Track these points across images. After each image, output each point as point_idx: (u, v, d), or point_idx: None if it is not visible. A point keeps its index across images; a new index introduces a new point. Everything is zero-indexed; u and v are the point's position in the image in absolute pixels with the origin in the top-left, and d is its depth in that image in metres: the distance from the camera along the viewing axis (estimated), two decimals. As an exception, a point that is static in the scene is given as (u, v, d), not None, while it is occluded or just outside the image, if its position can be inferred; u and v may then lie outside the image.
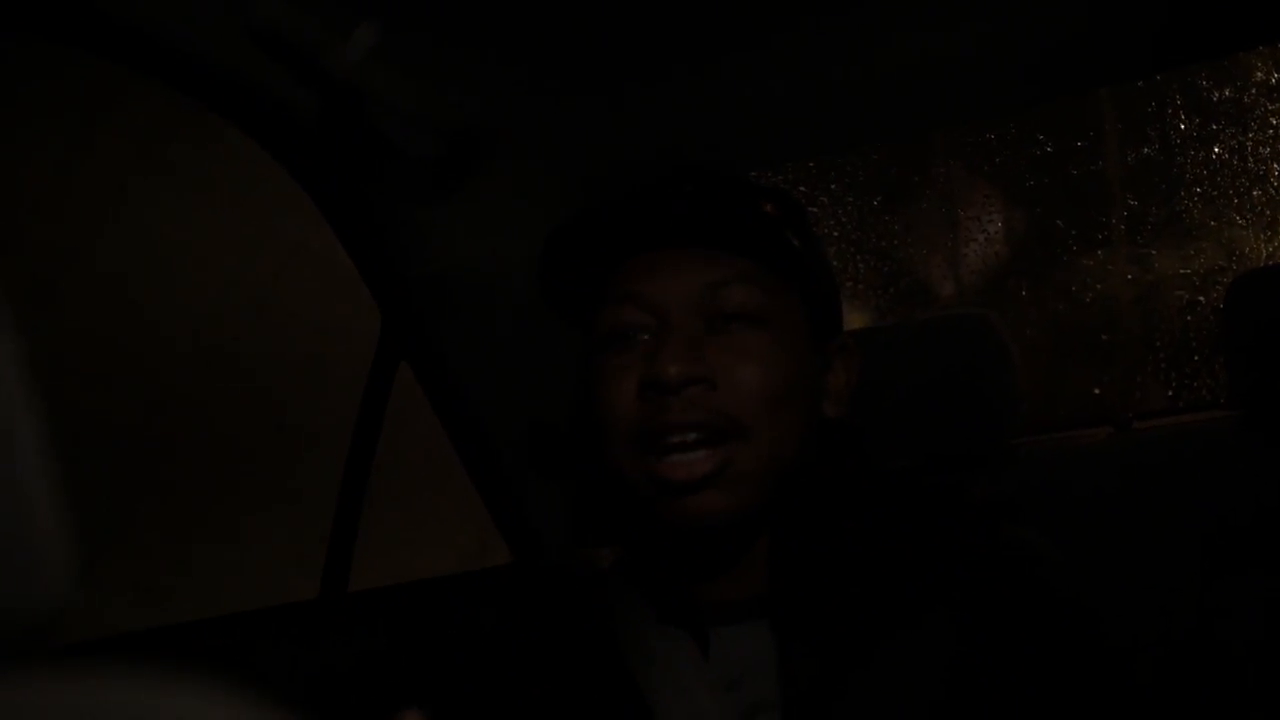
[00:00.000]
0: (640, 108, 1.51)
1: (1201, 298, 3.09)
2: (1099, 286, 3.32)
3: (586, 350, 1.13)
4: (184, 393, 2.42)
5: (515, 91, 1.45)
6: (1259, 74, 2.97)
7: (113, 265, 2.30)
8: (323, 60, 1.21)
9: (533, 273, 1.18)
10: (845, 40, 1.41)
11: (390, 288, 1.58)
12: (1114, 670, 1.04)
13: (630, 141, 1.58)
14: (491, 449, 1.67)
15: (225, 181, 2.29)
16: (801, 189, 3.22)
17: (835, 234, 3.31)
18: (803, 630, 1.05)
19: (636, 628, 1.12)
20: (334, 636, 1.48)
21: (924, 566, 1.06)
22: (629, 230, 1.11)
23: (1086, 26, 1.45)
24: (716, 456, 1.04)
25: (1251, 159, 3.00)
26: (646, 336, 1.08)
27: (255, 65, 1.25)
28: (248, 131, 1.41)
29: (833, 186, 3.31)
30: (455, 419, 1.67)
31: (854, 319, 1.21)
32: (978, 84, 1.57)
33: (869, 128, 1.73)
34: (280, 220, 2.16)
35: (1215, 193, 3.04)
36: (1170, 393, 3.12)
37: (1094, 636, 1.05)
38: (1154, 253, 3.22)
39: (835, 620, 1.04)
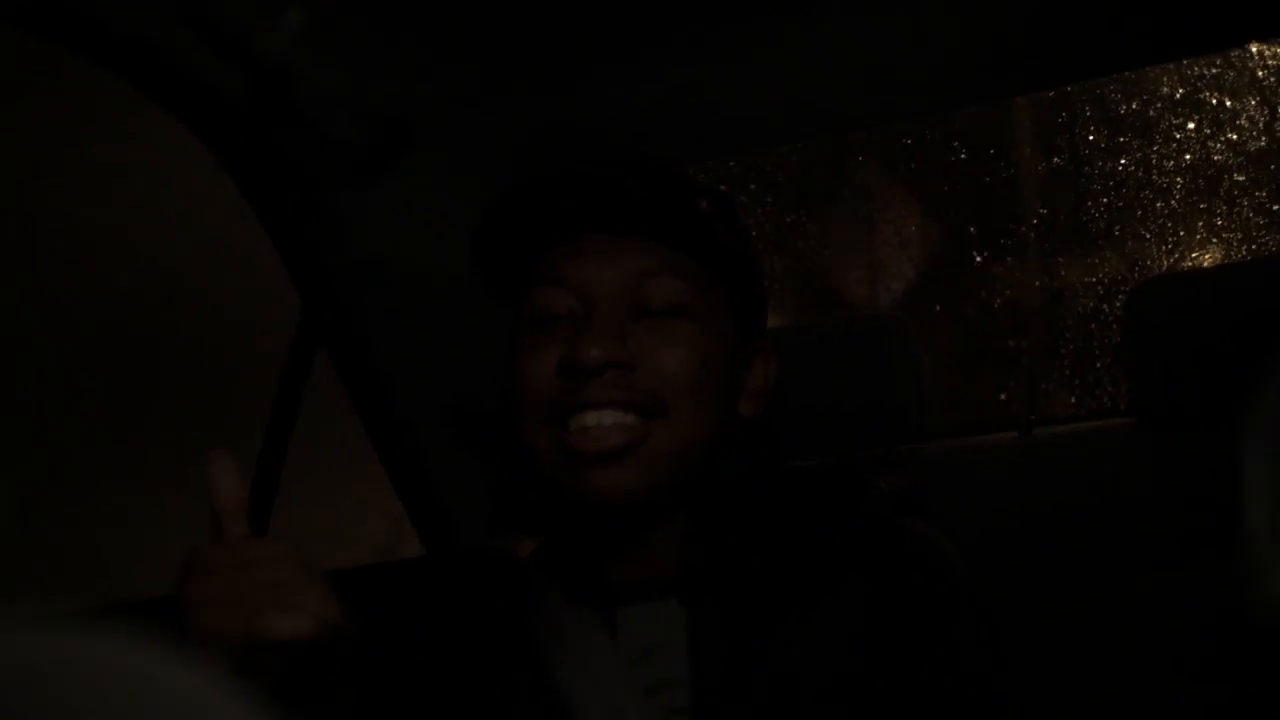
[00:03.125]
0: (568, 98, 1.52)
1: (1105, 307, 3.18)
2: (1008, 293, 3.40)
3: (513, 329, 1.14)
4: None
5: (443, 79, 1.45)
6: (1165, 89, 3.05)
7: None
8: (250, 41, 1.20)
9: (455, 260, 1.18)
10: (775, 35, 1.43)
11: (311, 274, 1.58)
12: (993, 651, 1.09)
13: (558, 131, 1.59)
14: (408, 438, 1.67)
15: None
16: (721, 188, 3.24)
17: (753, 233, 3.35)
18: (713, 607, 1.07)
19: (547, 610, 1.14)
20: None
21: (830, 552, 1.10)
22: (562, 213, 1.12)
23: (1040, 26, 1.48)
24: (630, 432, 1.05)
25: (1156, 172, 3.09)
26: (571, 319, 1.09)
27: (182, 43, 1.25)
28: (170, 110, 1.39)
29: (751, 186, 3.34)
30: (372, 408, 1.66)
31: (769, 318, 1.24)
32: (913, 82, 1.60)
33: (798, 124, 1.76)
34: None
35: (1121, 204, 3.13)
36: (1073, 399, 3.20)
37: (980, 619, 1.10)
38: (1061, 261, 3.30)
39: (745, 598, 1.07)
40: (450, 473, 1.71)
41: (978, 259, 3.40)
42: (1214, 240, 3.05)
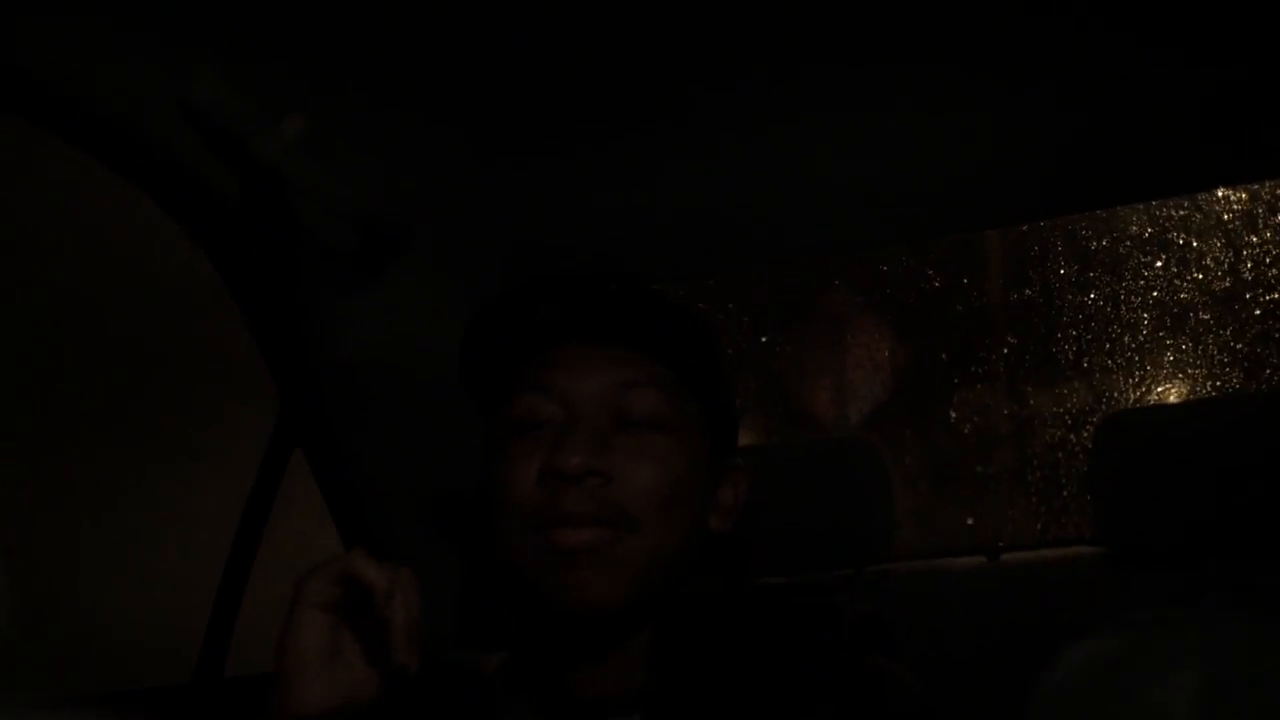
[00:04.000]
0: (554, 212, 1.55)
1: (1072, 436, 3.21)
2: (977, 419, 3.43)
3: (495, 435, 1.15)
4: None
5: (434, 189, 1.48)
6: (1134, 227, 3.13)
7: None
8: (249, 144, 1.23)
9: (435, 365, 1.20)
10: (759, 159, 1.46)
11: (293, 374, 1.59)
12: None
13: (543, 243, 1.61)
14: (380, 539, 1.67)
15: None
16: (700, 305, 3.28)
17: (729, 351, 3.37)
18: None
19: None
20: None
21: (793, 680, 1.10)
22: (549, 321, 1.15)
23: (1016, 160, 1.52)
24: (603, 534, 1.07)
25: (1124, 307, 3.14)
26: (553, 426, 1.11)
27: (177, 140, 1.27)
28: (162, 205, 1.41)
29: (730, 305, 3.38)
30: (346, 507, 1.66)
31: (741, 436, 1.25)
32: (892, 210, 1.64)
33: (779, 245, 1.79)
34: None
35: (1089, 337, 3.18)
36: (1039, 526, 3.21)
37: None
38: (1030, 390, 3.34)
39: (706, 718, 1.07)
40: (421, 578, 1.70)
41: (948, 385, 3.44)
42: (1179, 375, 3.09)
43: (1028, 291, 3.31)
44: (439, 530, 1.69)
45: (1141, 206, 3.03)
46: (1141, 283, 3.13)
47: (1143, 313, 3.13)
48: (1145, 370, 3.12)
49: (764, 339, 3.49)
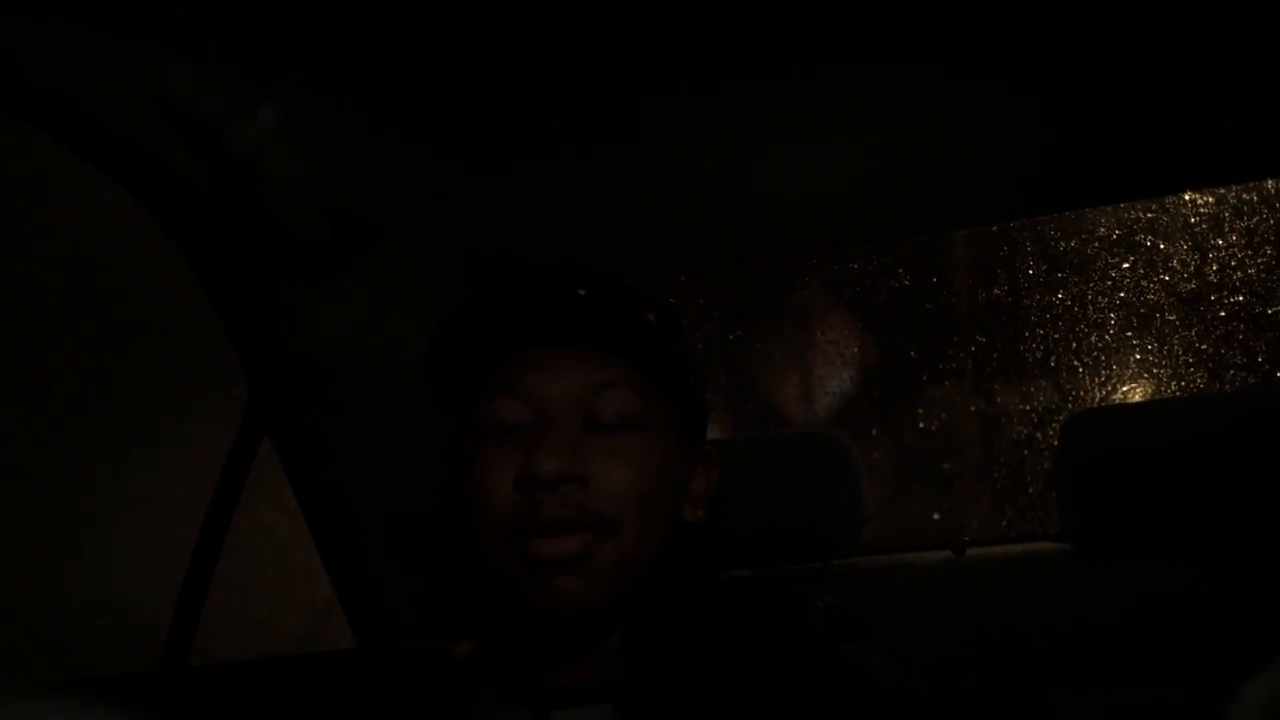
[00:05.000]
0: (526, 206, 1.55)
1: (1039, 434, 3.24)
2: (944, 416, 3.46)
3: (464, 439, 1.15)
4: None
5: (407, 185, 1.48)
6: (1102, 229, 3.15)
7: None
8: (223, 135, 1.23)
9: (404, 360, 1.20)
10: (739, 160, 1.47)
11: (262, 363, 1.58)
12: None
13: (514, 240, 1.62)
14: (348, 531, 1.67)
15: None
16: (671, 300, 3.28)
17: (700, 346, 3.38)
18: (645, 715, 1.08)
19: (480, 710, 1.14)
20: (173, 711, 1.45)
21: (766, 670, 1.10)
22: (518, 326, 1.15)
23: (985, 162, 1.54)
24: (584, 540, 1.07)
25: (1091, 307, 3.17)
26: (525, 430, 1.11)
27: (151, 130, 1.26)
28: (135, 196, 1.41)
29: (700, 301, 3.39)
30: (314, 498, 1.66)
31: (710, 431, 1.26)
32: (863, 213, 1.65)
33: (754, 245, 1.80)
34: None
35: (1056, 336, 3.21)
36: (1004, 522, 3.24)
37: None
38: (997, 388, 3.37)
39: (677, 710, 1.08)
40: (387, 567, 1.70)
41: (917, 383, 3.46)
42: (1145, 375, 3.12)
43: (996, 291, 3.33)
44: (405, 521, 1.69)
45: (1110, 208, 3.05)
46: (1109, 283, 3.16)
47: (1109, 313, 3.16)
48: (1111, 370, 3.15)
49: (733, 335, 3.51)
